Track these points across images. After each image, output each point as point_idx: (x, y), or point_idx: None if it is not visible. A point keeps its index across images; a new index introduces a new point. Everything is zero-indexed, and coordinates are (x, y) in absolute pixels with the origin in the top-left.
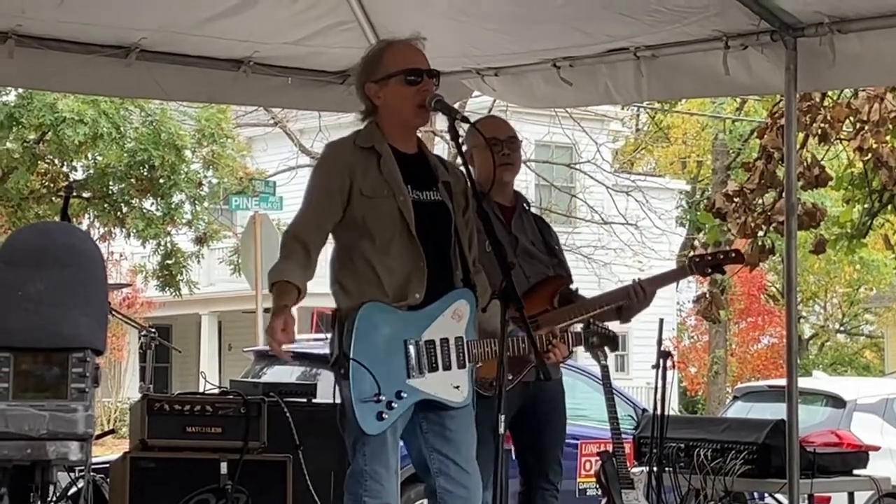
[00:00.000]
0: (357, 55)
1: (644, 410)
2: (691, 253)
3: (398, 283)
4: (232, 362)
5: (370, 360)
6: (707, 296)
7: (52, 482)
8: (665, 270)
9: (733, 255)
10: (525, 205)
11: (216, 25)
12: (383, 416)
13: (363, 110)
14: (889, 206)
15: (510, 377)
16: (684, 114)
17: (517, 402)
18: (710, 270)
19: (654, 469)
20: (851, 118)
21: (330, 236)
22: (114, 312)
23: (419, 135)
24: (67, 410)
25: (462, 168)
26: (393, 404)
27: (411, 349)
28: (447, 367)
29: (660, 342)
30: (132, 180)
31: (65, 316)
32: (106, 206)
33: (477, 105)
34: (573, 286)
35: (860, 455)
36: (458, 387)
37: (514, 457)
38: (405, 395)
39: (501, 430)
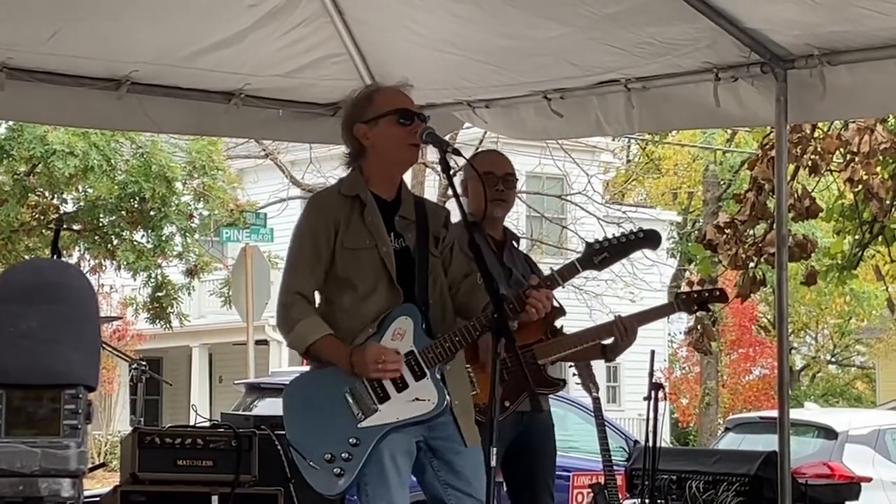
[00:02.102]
0: (348, 87)
1: (636, 442)
2: (680, 289)
3: (365, 325)
4: (223, 394)
5: (310, 427)
6: (698, 327)
7: None
8: (650, 307)
9: (718, 293)
10: (514, 241)
11: (207, 58)
12: (336, 472)
13: (349, 153)
14: (880, 238)
15: (507, 404)
16: (675, 145)
17: (511, 433)
18: (695, 308)
19: (647, 501)
20: (842, 150)
21: None
22: (104, 345)
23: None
24: (60, 447)
25: (454, 199)
26: (346, 456)
27: (348, 397)
28: (402, 388)
29: (651, 374)
30: (123, 212)
31: (57, 352)
32: (96, 238)
33: (468, 137)
34: (559, 323)
35: (852, 486)
36: (420, 399)
37: (503, 489)
38: (360, 441)
39: (493, 462)
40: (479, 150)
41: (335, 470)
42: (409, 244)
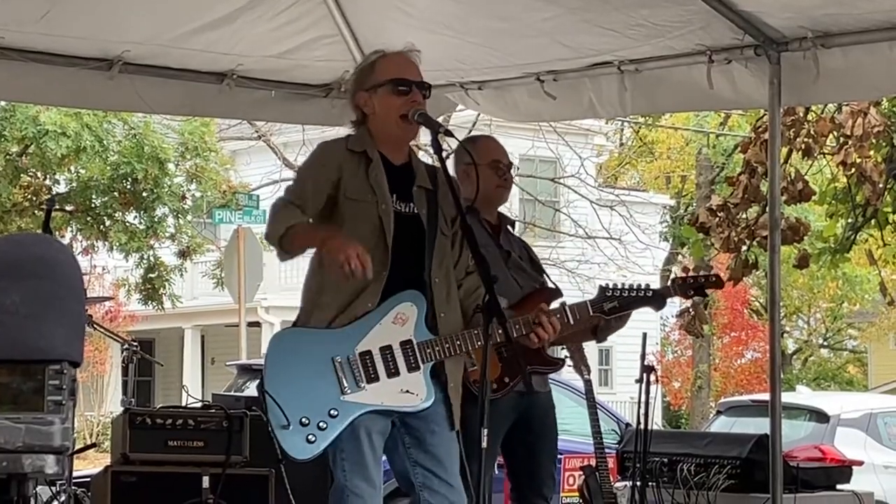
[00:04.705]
0: (341, 68)
1: (627, 425)
2: (674, 273)
3: (356, 292)
4: (215, 376)
5: (291, 386)
6: (690, 310)
7: (28, 496)
8: None
9: (714, 279)
10: (509, 225)
11: (200, 38)
12: (310, 438)
13: (353, 120)
14: (872, 221)
15: (506, 380)
16: (668, 128)
17: (512, 414)
18: (691, 293)
19: (638, 484)
20: (835, 133)
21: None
22: (96, 326)
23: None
24: (44, 423)
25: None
26: (322, 424)
27: (338, 366)
28: (393, 374)
29: (643, 356)
30: (115, 193)
31: (41, 328)
32: (89, 219)
33: (461, 119)
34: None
35: (844, 470)
36: (409, 392)
37: (498, 471)
38: (338, 413)
39: (484, 443)
40: (472, 132)
41: (309, 436)
42: (421, 213)
